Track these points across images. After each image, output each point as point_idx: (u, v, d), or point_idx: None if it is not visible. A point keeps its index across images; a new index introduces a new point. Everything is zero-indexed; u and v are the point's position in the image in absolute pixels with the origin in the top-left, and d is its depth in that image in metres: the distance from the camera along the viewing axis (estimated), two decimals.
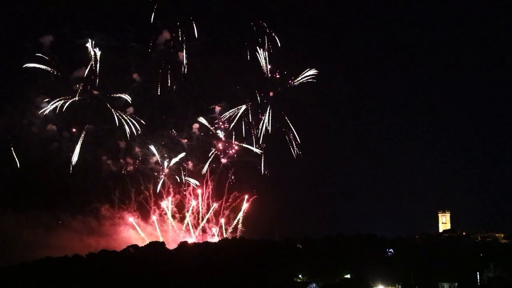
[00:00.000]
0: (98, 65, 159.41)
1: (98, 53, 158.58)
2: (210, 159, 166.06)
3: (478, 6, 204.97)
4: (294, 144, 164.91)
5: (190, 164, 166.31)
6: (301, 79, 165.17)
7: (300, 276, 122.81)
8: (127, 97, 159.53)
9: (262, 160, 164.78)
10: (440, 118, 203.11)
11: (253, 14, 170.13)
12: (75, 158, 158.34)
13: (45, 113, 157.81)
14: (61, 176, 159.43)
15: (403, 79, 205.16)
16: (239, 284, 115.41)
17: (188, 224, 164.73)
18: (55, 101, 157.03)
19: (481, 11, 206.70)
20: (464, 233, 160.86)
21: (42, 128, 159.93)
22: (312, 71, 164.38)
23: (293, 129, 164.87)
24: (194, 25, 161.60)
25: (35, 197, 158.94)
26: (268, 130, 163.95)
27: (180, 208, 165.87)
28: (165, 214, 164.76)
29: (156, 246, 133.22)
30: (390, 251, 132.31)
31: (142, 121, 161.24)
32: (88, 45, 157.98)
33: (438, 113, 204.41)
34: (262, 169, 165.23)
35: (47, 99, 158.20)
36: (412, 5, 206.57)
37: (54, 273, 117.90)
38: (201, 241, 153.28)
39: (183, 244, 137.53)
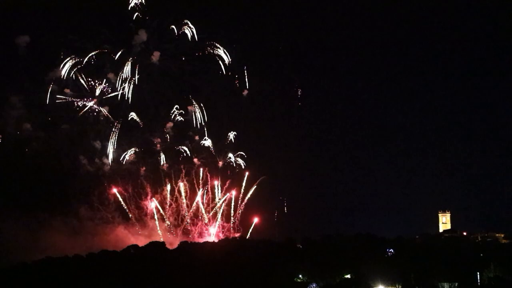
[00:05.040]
0: (74, 66, 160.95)
1: (73, 55, 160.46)
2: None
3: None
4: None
5: (165, 164, 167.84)
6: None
7: (300, 276, 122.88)
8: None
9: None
10: (440, 118, 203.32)
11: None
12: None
13: (19, 113, 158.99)
14: (40, 176, 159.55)
15: (403, 78, 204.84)
16: (239, 284, 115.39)
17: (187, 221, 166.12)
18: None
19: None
20: (464, 233, 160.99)
21: (17, 128, 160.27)
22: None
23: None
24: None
25: (14, 197, 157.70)
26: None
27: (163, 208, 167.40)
28: (145, 214, 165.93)
29: (156, 246, 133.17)
30: (390, 251, 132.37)
31: (116, 121, 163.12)
32: (63, 46, 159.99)
33: (439, 113, 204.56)
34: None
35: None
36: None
37: (54, 273, 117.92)
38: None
39: (183, 244, 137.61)
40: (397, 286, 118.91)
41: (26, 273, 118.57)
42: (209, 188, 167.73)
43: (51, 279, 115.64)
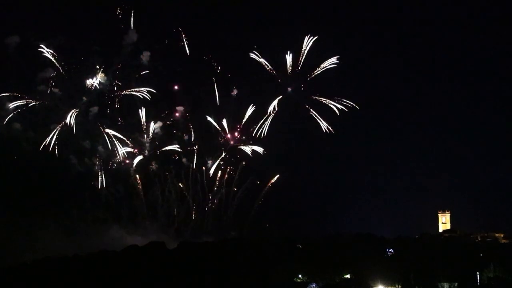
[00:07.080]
0: (62, 66, 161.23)
1: (62, 55, 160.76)
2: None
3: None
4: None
5: (155, 165, 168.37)
6: None
7: (300, 276, 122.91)
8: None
9: None
10: (440, 118, 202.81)
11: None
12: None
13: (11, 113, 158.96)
14: (30, 176, 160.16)
15: (401, 79, 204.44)
16: (239, 284, 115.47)
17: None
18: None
19: None
20: (464, 233, 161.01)
21: (8, 128, 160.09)
22: None
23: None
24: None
25: (5, 198, 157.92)
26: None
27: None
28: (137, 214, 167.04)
29: (156, 246, 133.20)
30: (390, 251, 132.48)
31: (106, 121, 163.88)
32: (52, 47, 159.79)
33: (438, 113, 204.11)
34: None
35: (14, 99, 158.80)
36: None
37: (54, 273, 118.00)
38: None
39: (183, 244, 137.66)
40: (396, 286, 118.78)
41: (26, 273, 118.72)
42: (199, 188, 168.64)
43: (51, 279, 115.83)
